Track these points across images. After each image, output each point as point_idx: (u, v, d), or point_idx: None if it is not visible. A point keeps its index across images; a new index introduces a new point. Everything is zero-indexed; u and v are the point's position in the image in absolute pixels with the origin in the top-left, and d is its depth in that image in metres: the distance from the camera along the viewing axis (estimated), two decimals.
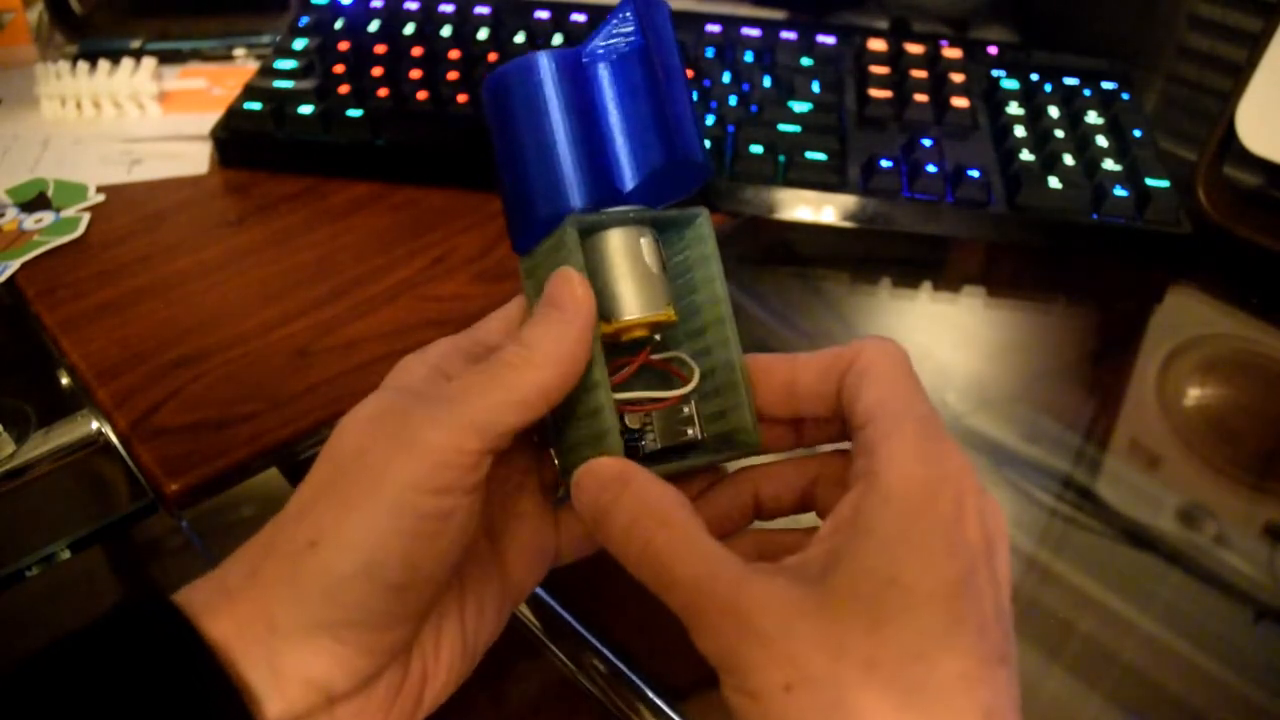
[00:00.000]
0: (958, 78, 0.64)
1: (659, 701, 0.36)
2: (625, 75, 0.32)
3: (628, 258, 0.30)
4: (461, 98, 0.60)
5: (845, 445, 0.30)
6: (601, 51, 0.32)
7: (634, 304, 0.30)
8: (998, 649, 0.24)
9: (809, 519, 0.31)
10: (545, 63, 0.31)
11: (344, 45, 0.64)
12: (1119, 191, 0.56)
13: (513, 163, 0.32)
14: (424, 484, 0.26)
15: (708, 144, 0.57)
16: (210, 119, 0.61)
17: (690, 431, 0.32)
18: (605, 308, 0.30)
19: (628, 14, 0.32)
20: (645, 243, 0.30)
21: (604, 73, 0.32)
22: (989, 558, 0.25)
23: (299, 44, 0.65)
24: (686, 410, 0.32)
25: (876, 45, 0.66)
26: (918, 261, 0.59)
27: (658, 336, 0.32)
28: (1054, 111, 0.62)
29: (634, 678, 0.37)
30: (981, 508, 0.26)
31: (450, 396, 0.28)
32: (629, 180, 0.31)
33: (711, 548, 0.25)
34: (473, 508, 0.28)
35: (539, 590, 0.39)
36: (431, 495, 0.26)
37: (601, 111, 0.32)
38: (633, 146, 0.31)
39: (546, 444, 0.32)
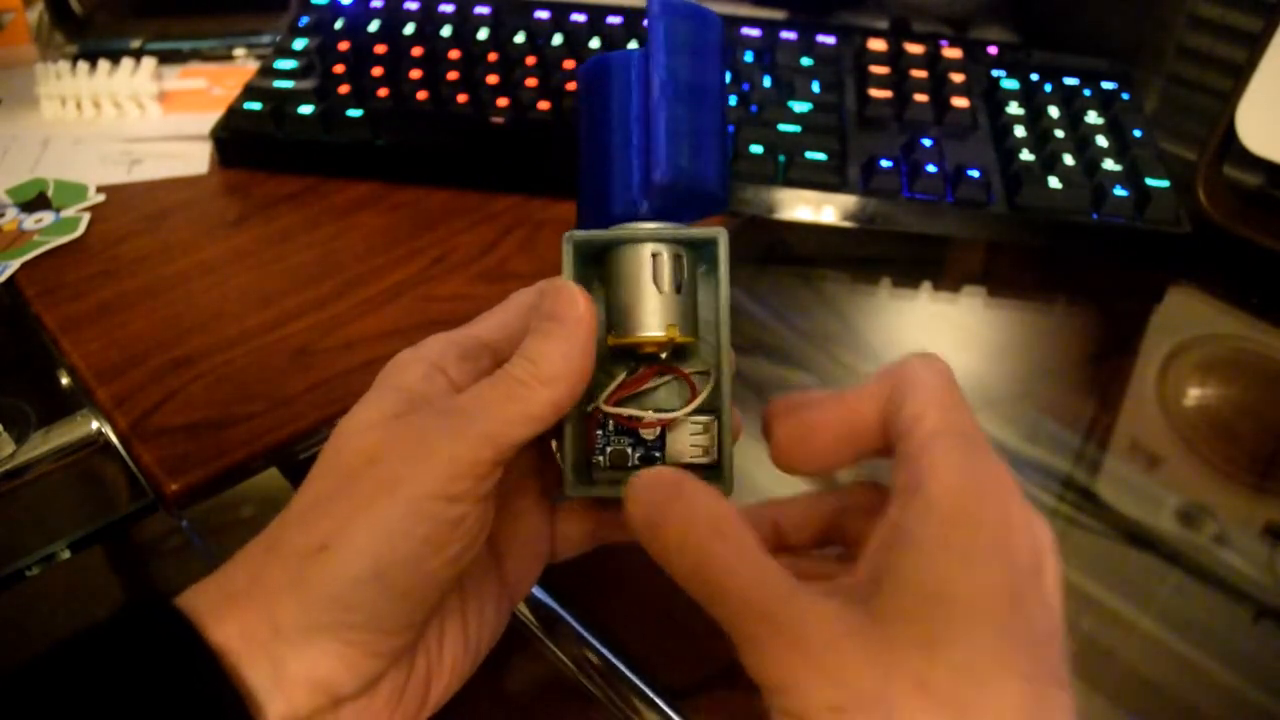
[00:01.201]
0: (958, 78, 0.64)
1: (656, 699, 0.36)
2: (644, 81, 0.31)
3: (634, 275, 0.30)
4: (461, 98, 0.60)
5: (869, 479, 0.30)
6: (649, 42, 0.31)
7: (633, 323, 0.30)
8: (1054, 672, 0.23)
9: None
10: (641, 59, 0.31)
11: (344, 45, 0.64)
12: (1119, 191, 0.56)
13: (594, 154, 0.31)
14: (439, 492, 0.26)
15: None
16: (210, 119, 0.61)
17: (701, 453, 0.31)
18: (613, 321, 0.31)
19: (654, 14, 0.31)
20: (661, 260, 0.30)
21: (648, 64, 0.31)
22: (1036, 575, 0.24)
23: (299, 44, 0.65)
24: (703, 430, 0.32)
25: (876, 45, 0.66)
26: (918, 261, 0.59)
27: (663, 355, 0.32)
28: (1054, 111, 0.62)
29: (631, 675, 0.37)
30: (1029, 520, 0.25)
31: (464, 409, 0.28)
32: (640, 194, 0.31)
33: (764, 562, 0.25)
34: (483, 515, 0.28)
35: (536, 588, 0.39)
36: (445, 503, 0.26)
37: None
38: (648, 158, 0.31)
39: (553, 435, 0.32)
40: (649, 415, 0.31)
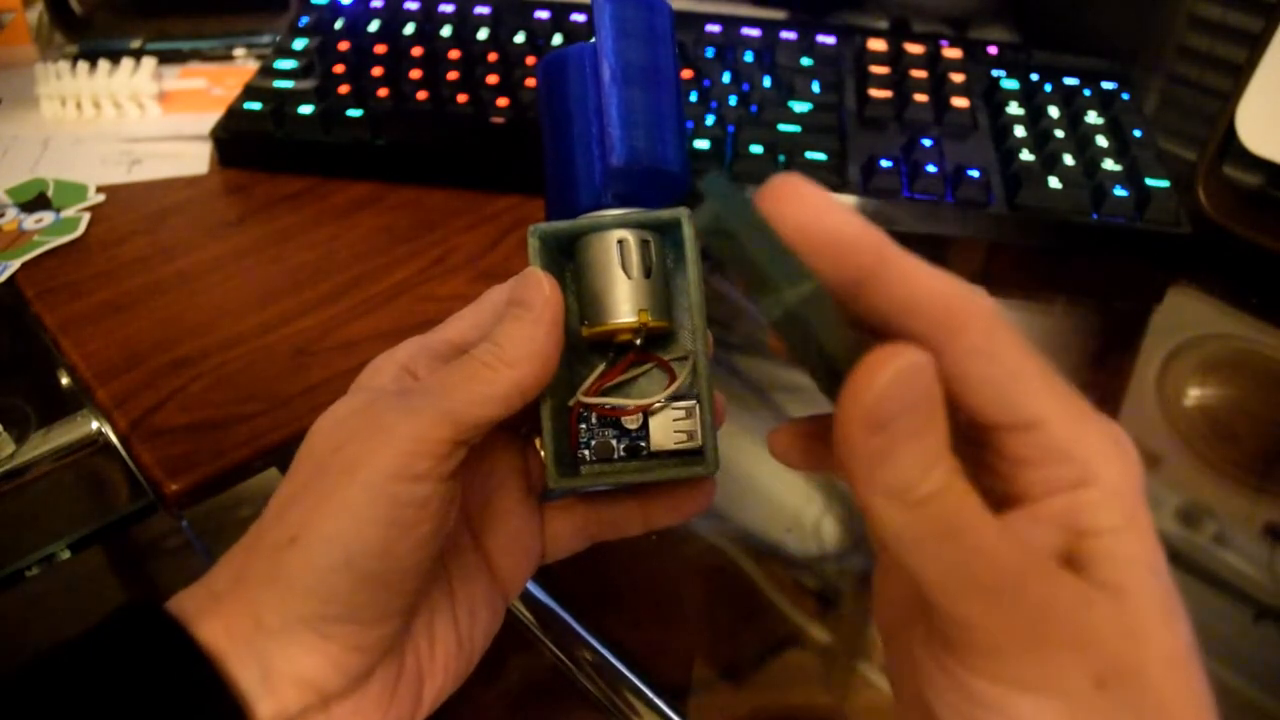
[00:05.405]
0: (958, 78, 0.64)
1: (655, 698, 0.37)
2: (596, 70, 0.31)
3: (602, 263, 0.30)
4: (461, 98, 0.60)
5: None
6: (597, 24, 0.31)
7: (605, 310, 0.30)
8: None
9: None
10: (593, 54, 0.31)
11: (344, 45, 0.64)
12: (1119, 191, 0.56)
13: (557, 147, 0.32)
14: (399, 472, 0.26)
15: (706, 144, 0.58)
16: (210, 119, 0.61)
17: (685, 438, 0.31)
18: (586, 312, 0.31)
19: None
20: (628, 246, 0.30)
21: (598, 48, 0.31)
22: None
23: (299, 44, 0.65)
24: (686, 415, 0.31)
25: (876, 45, 0.66)
26: None
27: (638, 341, 0.31)
28: (1054, 111, 0.62)
29: (626, 672, 0.37)
30: None
31: (425, 389, 0.28)
32: (603, 183, 0.31)
33: (997, 523, 0.21)
34: (449, 496, 0.28)
35: (534, 586, 0.40)
36: (406, 483, 0.26)
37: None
38: (604, 145, 0.31)
39: (535, 433, 0.32)
40: (629, 404, 0.31)
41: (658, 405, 0.31)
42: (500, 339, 0.29)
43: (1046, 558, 0.21)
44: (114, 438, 0.45)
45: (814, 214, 0.22)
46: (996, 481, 0.23)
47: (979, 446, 0.23)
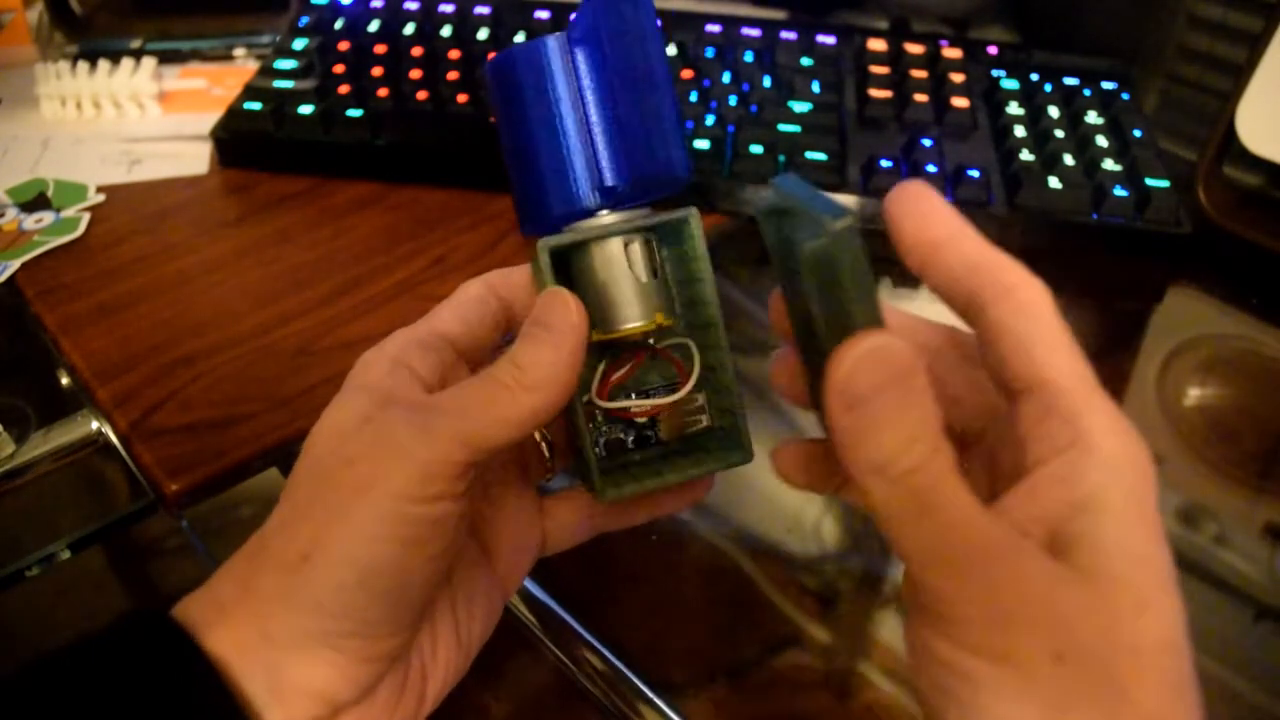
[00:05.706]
0: (958, 78, 0.64)
1: (656, 699, 0.36)
2: (579, 67, 0.30)
3: (611, 271, 0.30)
4: (461, 98, 0.60)
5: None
6: (575, 37, 0.31)
7: (618, 316, 0.30)
8: None
9: None
10: (554, 48, 0.30)
11: (344, 45, 0.64)
12: (1119, 191, 0.56)
13: (521, 151, 0.31)
14: (414, 494, 0.26)
15: (706, 144, 0.58)
16: (210, 119, 0.61)
17: (701, 420, 0.32)
18: (594, 318, 0.31)
19: None
20: (633, 250, 0.30)
21: (580, 60, 0.30)
22: None
23: (299, 44, 0.65)
24: (698, 400, 0.32)
25: (876, 45, 0.66)
26: None
27: (651, 340, 0.32)
28: (1054, 111, 0.62)
29: (629, 674, 0.37)
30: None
31: (441, 407, 0.27)
32: (592, 186, 0.30)
33: (976, 501, 0.23)
34: (461, 513, 0.28)
35: (535, 587, 0.39)
36: (422, 504, 0.26)
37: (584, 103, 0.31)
38: (603, 149, 0.30)
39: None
40: (645, 404, 0.32)
41: (678, 398, 0.32)
42: (522, 361, 0.28)
43: (1021, 537, 0.23)
44: (114, 438, 0.45)
45: (924, 207, 0.27)
46: (1014, 460, 0.24)
47: (1007, 426, 0.25)
